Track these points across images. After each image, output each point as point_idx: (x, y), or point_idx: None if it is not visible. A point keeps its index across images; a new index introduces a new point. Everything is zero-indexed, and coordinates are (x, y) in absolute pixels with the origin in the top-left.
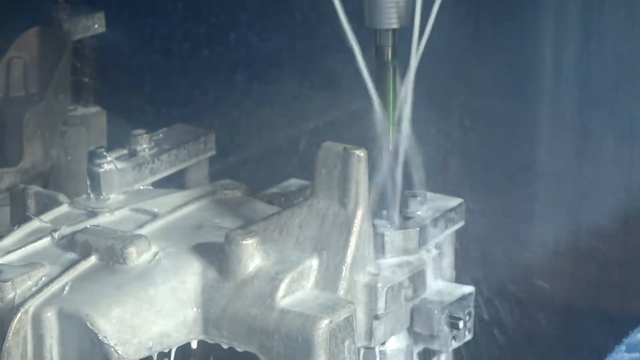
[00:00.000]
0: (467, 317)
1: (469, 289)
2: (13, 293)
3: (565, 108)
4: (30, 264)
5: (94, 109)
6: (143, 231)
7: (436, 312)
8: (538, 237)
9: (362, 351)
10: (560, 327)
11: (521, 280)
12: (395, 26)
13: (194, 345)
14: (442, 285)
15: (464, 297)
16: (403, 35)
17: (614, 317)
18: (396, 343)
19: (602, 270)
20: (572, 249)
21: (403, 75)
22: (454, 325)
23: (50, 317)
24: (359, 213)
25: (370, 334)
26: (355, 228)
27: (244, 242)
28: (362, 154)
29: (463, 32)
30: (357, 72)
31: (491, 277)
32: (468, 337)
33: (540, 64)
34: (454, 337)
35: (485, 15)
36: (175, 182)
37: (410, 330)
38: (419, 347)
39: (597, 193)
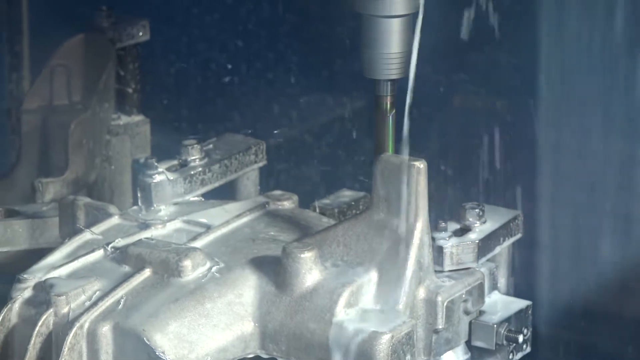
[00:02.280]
0: (526, 331)
1: (526, 302)
2: (67, 307)
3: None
4: (83, 277)
5: (137, 118)
6: (196, 244)
7: (495, 326)
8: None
9: None
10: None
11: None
12: (393, 77)
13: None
14: (499, 299)
15: (521, 311)
16: None
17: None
18: (454, 357)
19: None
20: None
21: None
22: (512, 340)
23: (106, 332)
24: (419, 225)
25: (429, 348)
26: (415, 241)
27: (302, 256)
28: (422, 166)
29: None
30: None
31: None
32: (527, 350)
33: (540, 63)
34: (512, 351)
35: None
36: (225, 193)
37: (468, 344)
38: None
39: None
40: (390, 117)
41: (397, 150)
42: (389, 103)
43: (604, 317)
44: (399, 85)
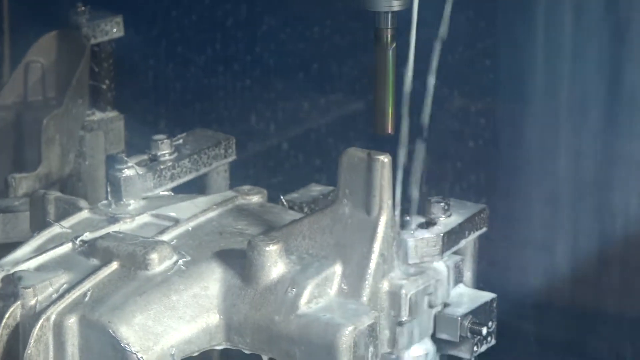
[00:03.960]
0: (490, 324)
1: (490, 295)
2: (34, 300)
3: (562, 108)
4: (51, 270)
5: (111, 114)
6: (164, 237)
7: (460, 318)
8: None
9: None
10: (580, 332)
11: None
12: (395, 9)
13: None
14: (464, 291)
15: (486, 304)
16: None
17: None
18: (419, 349)
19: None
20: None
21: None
22: (476, 332)
23: (72, 324)
24: (383, 219)
25: (393, 340)
26: (379, 234)
27: (267, 249)
28: (386, 160)
29: (461, 32)
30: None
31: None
32: (491, 342)
33: (537, 64)
34: (477, 344)
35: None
36: (195, 187)
37: (433, 336)
38: (442, 354)
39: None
40: (391, 50)
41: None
42: (389, 36)
43: (569, 309)
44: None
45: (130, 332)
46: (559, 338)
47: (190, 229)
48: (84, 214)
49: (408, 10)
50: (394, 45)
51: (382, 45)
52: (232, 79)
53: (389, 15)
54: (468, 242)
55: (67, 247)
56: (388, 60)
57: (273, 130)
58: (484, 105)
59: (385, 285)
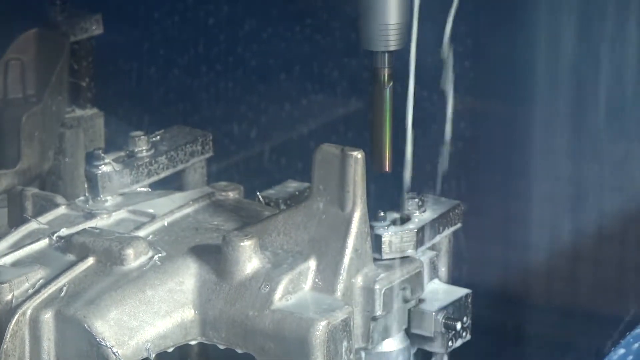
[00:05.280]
0: (465, 319)
1: (465, 290)
2: (10, 295)
3: (561, 109)
4: (27, 265)
5: (91, 111)
6: (140, 233)
7: (433, 313)
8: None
9: (363, 354)
10: (557, 328)
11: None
12: (391, 49)
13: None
14: (438, 287)
15: (461, 299)
16: None
17: (611, 318)
18: (393, 344)
19: (600, 271)
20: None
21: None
22: (451, 327)
23: (48, 319)
24: (357, 214)
25: (367, 335)
26: (353, 229)
27: (242, 244)
28: (359, 156)
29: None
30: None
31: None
32: (466, 338)
33: (536, 64)
34: (451, 339)
35: (483, 15)
36: (172, 184)
37: (407, 331)
38: (417, 349)
39: (593, 194)
40: (388, 89)
41: (393, 124)
42: (386, 75)
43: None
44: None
45: (105, 326)
46: (533, 333)
47: (166, 224)
48: (61, 210)
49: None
50: (391, 84)
51: (380, 85)
52: (215, 78)
53: (386, 54)
54: (442, 237)
55: (43, 243)
56: (385, 99)
57: (256, 131)
58: (466, 105)
59: (359, 281)
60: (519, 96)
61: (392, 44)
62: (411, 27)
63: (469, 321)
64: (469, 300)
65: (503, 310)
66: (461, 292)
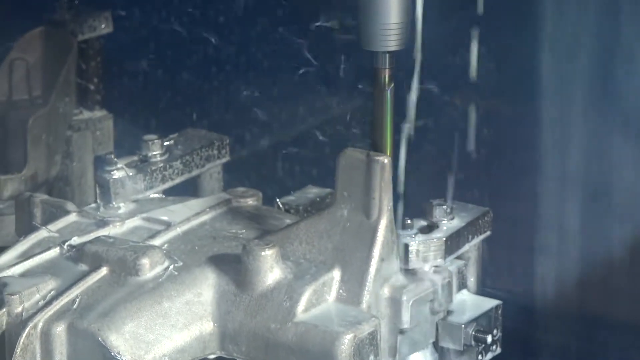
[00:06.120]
0: (495, 331)
1: (495, 301)
2: (21, 307)
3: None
4: (38, 276)
5: (100, 113)
6: (156, 242)
7: (463, 326)
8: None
9: None
10: (589, 340)
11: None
12: (392, 49)
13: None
14: (468, 298)
15: (491, 310)
16: None
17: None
18: (421, 358)
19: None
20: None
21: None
22: (481, 340)
23: (60, 332)
24: (383, 222)
25: (394, 349)
26: (379, 238)
27: (263, 254)
28: (386, 161)
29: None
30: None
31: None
32: (496, 352)
33: (543, 65)
34: (481, 352)
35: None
36: (187, 190)
37: (436, 345)
38: None
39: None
40: (389, 91)
41: (394, 127)
42: (387, 76)
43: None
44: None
45: (120, 340)
46: (566, 345)
47: (182, 233)
48: (72, 217)
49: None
50: (392, 85)
51: (380, 86)
52: (227, 75)
53: (387, 55)
54: (471, 246)
55: (54, 252)
56: (386, 101)
57: (268, 132)
58: (488, 106)
59: (385, 291)
60: (545, 100)
61: (393, 44)
62: (415, 27)
63: (499, 334)
64: (500, 311)
65: (533, 322)
66: (491, 303)
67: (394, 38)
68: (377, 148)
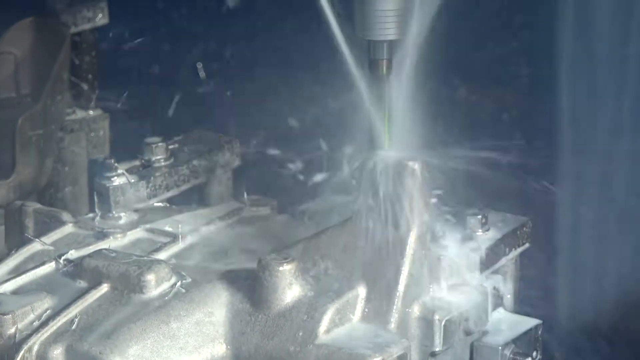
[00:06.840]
0: (535, 354)
1: (535, 321)
2: (14, 328)
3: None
4: (32, 293)
5: (94, 113)
6: (161, 255)
7: (499, 348)
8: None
9: None
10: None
11: None
12: (391, 38)
13: None
14: (504, 317)
15: (530, 331)
16: None
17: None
18: None
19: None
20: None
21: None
22: None
23: (58, 355)
24: (413, 235)
25: None
26: (409, 252)
27: (281, 269)
28: (416, 167)
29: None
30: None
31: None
32: None
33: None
34: None
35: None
36: (193, 197)
37: None
38: None
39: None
40: (387, 82)
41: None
42: (385, 67)
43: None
44: None
45: None
46: None
47: (190, 245)
48: (68, 228)
49: None
50: (390, 75)
51: (378, 76)
52: (229, 72)
53: (385, 44)
54: (509, 260)
55: (49, 267)
56: (384, 91)
57: (275, 138)
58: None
59: (415, 310)
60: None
61: (391, 33)
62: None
63: (539, 356)
64: (539, 331)
65: (575, 343)
66: (530, 322)
67: (393, 25)
68: (376, 143)
